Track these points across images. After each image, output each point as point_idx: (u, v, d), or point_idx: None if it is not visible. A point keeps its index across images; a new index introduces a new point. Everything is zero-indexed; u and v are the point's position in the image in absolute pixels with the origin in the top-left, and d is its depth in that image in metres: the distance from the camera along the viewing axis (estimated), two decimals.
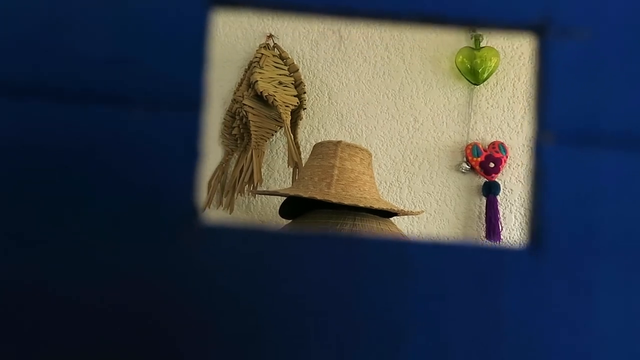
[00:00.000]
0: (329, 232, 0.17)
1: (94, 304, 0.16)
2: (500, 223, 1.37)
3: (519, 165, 1.41)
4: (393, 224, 1.16)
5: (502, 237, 1.37)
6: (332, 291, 0.16)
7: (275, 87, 1.36)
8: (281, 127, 1.39)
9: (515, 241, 1.39)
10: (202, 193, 1.45)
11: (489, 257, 0.17)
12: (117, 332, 0.16)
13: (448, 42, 1.45)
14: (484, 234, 1.38)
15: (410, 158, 1.44)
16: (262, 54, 1.39)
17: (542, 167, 0.18)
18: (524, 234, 1.39)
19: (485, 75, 1.39)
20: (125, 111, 0.17)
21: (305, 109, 1.41)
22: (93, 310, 0.16)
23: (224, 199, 1.43)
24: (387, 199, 1.42)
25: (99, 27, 0.18)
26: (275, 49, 1.43)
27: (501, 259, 0.17)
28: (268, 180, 1.44)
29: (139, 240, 0.17)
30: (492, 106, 1.43)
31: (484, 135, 1.42)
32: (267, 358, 0.16)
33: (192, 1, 0.19)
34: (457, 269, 0.16)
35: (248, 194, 1.43)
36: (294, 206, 1.20)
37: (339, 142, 1.14)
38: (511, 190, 1.40)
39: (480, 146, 1.40)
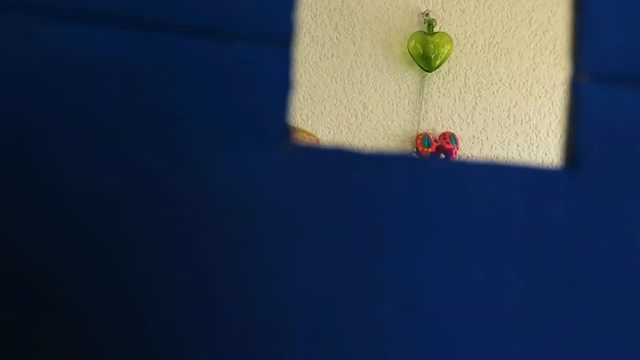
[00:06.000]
0: (407, 155, 0.19)
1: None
2: None
3: (469, 157, 1.36)
4: None
5: None
6: (406, 209, 0.18)
7: None
8: None
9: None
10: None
11: (533, 176, 0.19)
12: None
13: (400, 25, 1.38)
14: None
15: (358, 146, 1.36)
16: None
17: (577, 100, 0.19)
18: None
19: (437, 62, 1.34)
20: (225, 44, 0.19)
21: None
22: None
23: None
24: None
25: None
26: None
27: (543, 178, 0.19)
28: None
29: (238, 152, 0.18)
30: (443, 95, 1.37)
31: (435, 125, 1.36)
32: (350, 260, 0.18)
33: None
34: (508, 187, 0.19)
35: None
36: None
37: None
38: None
39: (431, 136, 1.35)
